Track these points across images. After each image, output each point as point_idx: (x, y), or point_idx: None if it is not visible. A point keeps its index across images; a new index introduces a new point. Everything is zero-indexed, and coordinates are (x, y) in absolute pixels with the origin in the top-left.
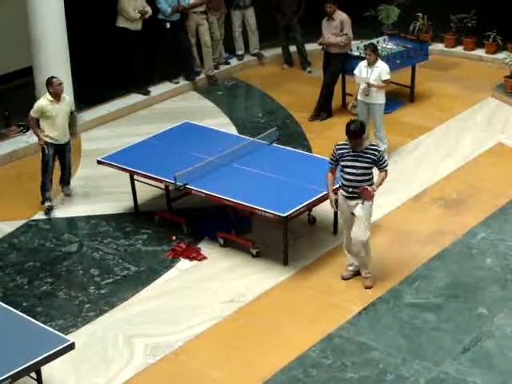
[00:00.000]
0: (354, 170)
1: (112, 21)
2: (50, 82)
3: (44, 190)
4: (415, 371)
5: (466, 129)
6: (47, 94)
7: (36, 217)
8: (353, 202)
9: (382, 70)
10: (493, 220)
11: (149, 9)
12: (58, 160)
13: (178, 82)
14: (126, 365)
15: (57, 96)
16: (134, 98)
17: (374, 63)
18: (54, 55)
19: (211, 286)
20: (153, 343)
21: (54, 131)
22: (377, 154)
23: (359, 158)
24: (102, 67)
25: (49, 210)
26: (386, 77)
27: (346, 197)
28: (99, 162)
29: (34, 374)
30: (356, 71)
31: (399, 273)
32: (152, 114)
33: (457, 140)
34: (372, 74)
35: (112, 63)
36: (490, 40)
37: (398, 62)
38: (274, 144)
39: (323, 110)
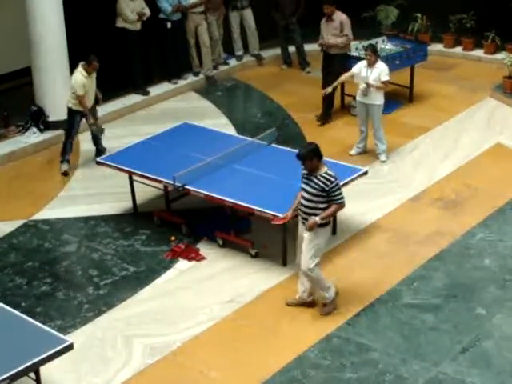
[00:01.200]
0: (305, 194)
1: (111, 21)
2: (89, 61)
3: (64, 152)
4: (414, 371)
5: (464, 129)
6: (81, 70)
7: (35, 217)
8: (303, 228)
9: (381, 70)
10: (491, 221)
11: (147, 10)
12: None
13: (176, 82)
14: (124, 365)
15: (91, 72)
16: (133, 99)
17: (374, 64)
18: (52, 55)
19: (210, 286)
20: (151, 343)
21: (88, 102)
22: (328, 184)
23: (310, 183)
24: (100, 67)
25: (64, 174)
26: (386, 78)
27: (301, 219)
28: (98, 163)
29: (32, 375)
30: (355, 69)
31: (398, 273)
32: (151, 115)
33: (456, 140)
34: (371, 74)
35: (111, 63)
36: (489, 40)
37: (397, 62)
38: (273, 144)
39: (328, 112)
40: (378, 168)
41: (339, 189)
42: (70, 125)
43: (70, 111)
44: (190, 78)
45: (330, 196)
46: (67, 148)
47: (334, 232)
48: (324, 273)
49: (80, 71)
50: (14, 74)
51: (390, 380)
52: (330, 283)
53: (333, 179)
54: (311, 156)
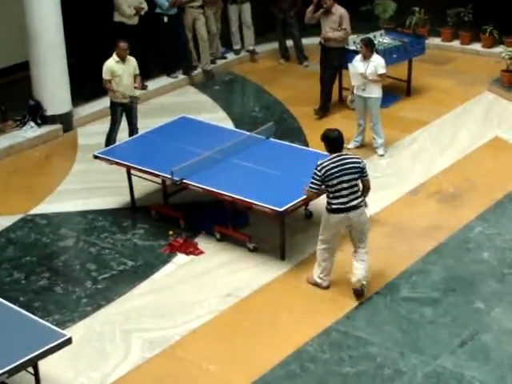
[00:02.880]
0: None
1: (108, 15)
2: (117, 45)
3: (108, 144)
4: (412, 365)
5: (462, 123)
6: (114, 55)
7: (33, 211)
8: None
9: (377, 64)
10: (490, 214)
11: (145, 5)
12: (126, 119)
13: (176, 77)
14: (123, 359)
15: (122, 57)
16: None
17: (370, 57)
18: (50, 50)
19: (208, 280)
20: (150, 338)
21: (121, 88)
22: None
23: None
24: (98, 62)
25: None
26: (382, 71)
27: None
28: (96, 157)
29: (31, 369)
30: (350, 65)
31: (396, 267)
32: (148, 109)
33: (453, 134)
34: (368, 68)
35: (108, 58)
36: (487, 34)
37: (395, 56)
38: (271, 138)
39: (326, 105)
40: (376, 162)
41: (312, 177)
42: (112, 119)
43: (111, 104)
44: (179, 76)
45: None
46: (110, 141)
47: None
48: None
49: (113, 57)
50: (12, 68)
51: (388, 374)
52: (326, 275)
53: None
54: (322, 140)
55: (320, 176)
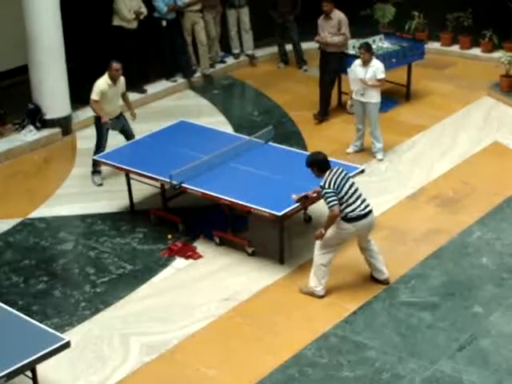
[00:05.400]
0: None
1: (107, 19)
2: (110, 66)
3: (95, 163)
4: (411, 370)
5: (462, 127)
6: (106, 77)
7: (32, 215)
8: None
9: (376, 68)
10: (489, 219)
11: (144, 10)
12: (121, 132)
13: (175, 81)
14: (121, 363)
15: (115, 79)
16: (130, 97)
17: (369, 62)
18: (49, 53)
19: (207, 284)
20: (148, 342)
21: (109, 107)
22: (321, 191)
23: None
24: (96, 66)
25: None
26: (381, 76)
27: None
28: (94, 161)
29: (29, 373)
30: (349, 70)
31: (395, 271)
32: (147, 113)
33: (453, 139)
34: (367, 72)
35: (107, 62)
36: (486, 39)
37: (394, 60)
38: (270, 143)
39: (325, 110)
40: (374, 166)
41: (327, 197)
42: (98, 134)
43: (96, 119)
44: (178, 80)
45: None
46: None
47: None
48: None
49: (105, 77)
50: (11, 71)
51: (386, 378)
52: (324, 283)
53: (321, 188)
54: (311, 165)
55: (333, 189)
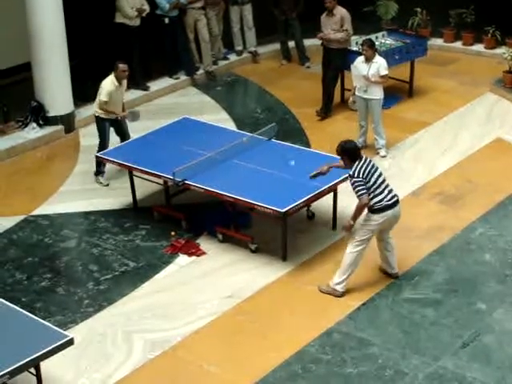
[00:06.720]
0: None
1: (110, 16)
2: (116, 67)
3: (99, 163)
4: (414, 366)
5: (464, 124)
6: (113, 78)
7: (35, 212)
8: None
9: (379, 65)
10: (492, 215)
11: (146, 7)
12: (116, 132)
13: (178, 78)
14: (124, 360)
15: (121, 80)
16: (133, 94)
17: (372, 58)
18: (52, 51)
19: (210, 281)
20: (152, 339)
21: (114, 107)
22: (350, 181)
23: None
24: (99, 63)
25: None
26: (384, 72)
27: None
28: (98, 158)
29: (33, 370)
30: (352, 67)
31: (398, 268)
32: (151, 110)
33: (455, 135)
34: (370, 69)
35: (110, 59)
36: (489, 35)
37: (397, 57)
38: (273, 139)
39: (328, 106)
40: (377, 163)
41: (356, 186)
42: (101, 134)
43: (98, 119)
44: (181, 78)
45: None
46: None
47: (333, 227)
48: (325, 267)
49: (111, 78)
50: (14, 69)
51: (390, 375)
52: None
53: (350, 177)
54: (342, 154)
55: (362, 178)
